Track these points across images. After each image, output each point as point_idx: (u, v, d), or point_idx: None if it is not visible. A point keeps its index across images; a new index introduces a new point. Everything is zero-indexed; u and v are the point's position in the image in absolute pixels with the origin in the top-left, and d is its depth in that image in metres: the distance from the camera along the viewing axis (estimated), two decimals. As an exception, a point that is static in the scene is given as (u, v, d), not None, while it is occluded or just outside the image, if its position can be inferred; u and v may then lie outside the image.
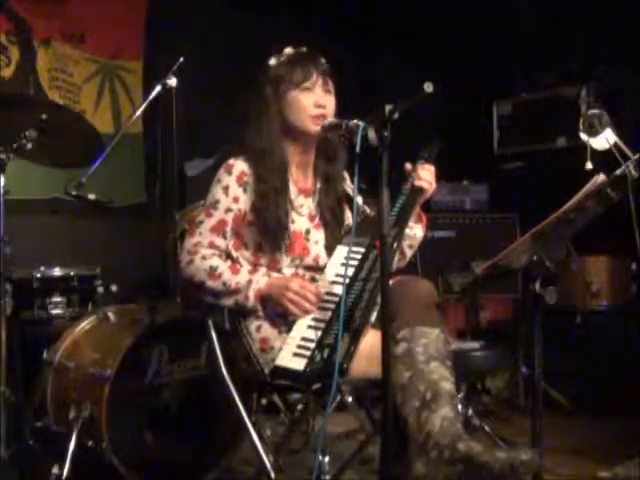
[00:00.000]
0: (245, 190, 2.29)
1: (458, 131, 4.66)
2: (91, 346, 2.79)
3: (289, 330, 2.19)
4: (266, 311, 2.24)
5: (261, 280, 2.23)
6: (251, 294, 2.21)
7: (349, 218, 2.44)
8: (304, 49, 2.41)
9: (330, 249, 2.36)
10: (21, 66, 3.89)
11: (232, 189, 2.28)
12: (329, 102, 2.33)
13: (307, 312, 2.17)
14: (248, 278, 2.22)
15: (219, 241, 2.28)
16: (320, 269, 2.31)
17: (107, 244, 3.99)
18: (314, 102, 2.30)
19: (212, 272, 2.23)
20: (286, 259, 2.30)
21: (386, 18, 4.82)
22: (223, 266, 2.24)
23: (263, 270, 2.27)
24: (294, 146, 2.37)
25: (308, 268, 2.33)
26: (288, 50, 2.40)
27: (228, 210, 2.28)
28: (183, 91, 3.07)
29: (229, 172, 2.30)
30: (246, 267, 2.27)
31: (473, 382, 3.88)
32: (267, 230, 2.28)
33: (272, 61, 2.38)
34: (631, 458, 2.87)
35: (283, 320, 2.23)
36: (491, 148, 4.91)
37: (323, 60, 2.38)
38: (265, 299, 2.22)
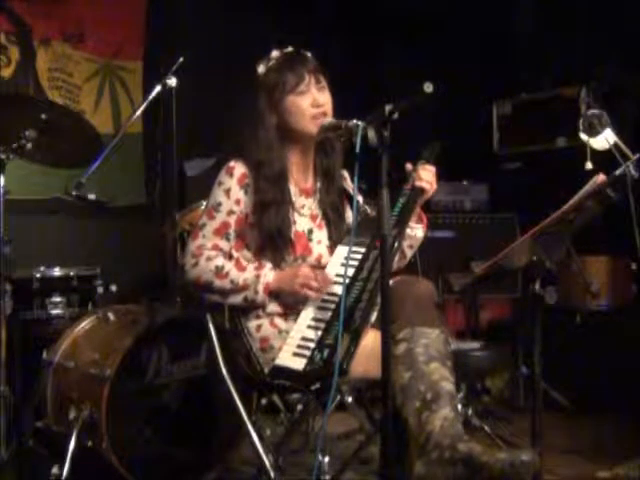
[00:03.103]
0: (246, 192, 2.29)
1: (458, 131, 4.66)
2: (91, 346, 2.79)
3: (289, 330, 2.19)
4: (279, 301, 2.24)
5: (269, 274, 2.24)
6: (260, 288, 2.22)
7: (350, 217, 2.44)
8: (290, 49, 2.39)
9: (334, 245, 2.36)
10: (21, 66, 3.90)
11: (234, 191, 2.28)
12: (325, 99, 2.33)
13: (321, 292, 2.18)
14: (256, 273, 2.23)
15: (223, 243, 2.28)
16: (322, 269, 2.30)
17: (107, 244, 3.99)
18: (311, 102, 2.29)
19: (219, 272, 2.23)
20: (288, 259, 2.30)
21: (386, 18, 4.82)
22: (229, 265, 2.24)
23: (269, 265, 2.27)
24: (294, 148, 2.36)
25: (310, 267, 2.33)
26: (275, 53, 2.38)
27: (230, 212, 2.28)
28: (183, 91, 3.07)
29: (230, 174, 2.30)
30: (252, 264, 2.28)
31: (473, 382, 3.87)
32: (268, 237, 2.29)
33: (261, 68, 2.37)
34: (631, 458, 2.87)
35: (283, 319, 2.24)
36: (491, 148, 4.91)
37: (310, 57, 2.37)
38: (274, 292, 2.23)
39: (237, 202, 2.29)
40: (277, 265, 2.29)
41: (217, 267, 2.23)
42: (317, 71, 2.34)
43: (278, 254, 2.29)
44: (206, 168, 4.00)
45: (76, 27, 4.07)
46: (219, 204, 2.29)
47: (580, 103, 4.30)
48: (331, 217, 2.40)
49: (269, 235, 2.28)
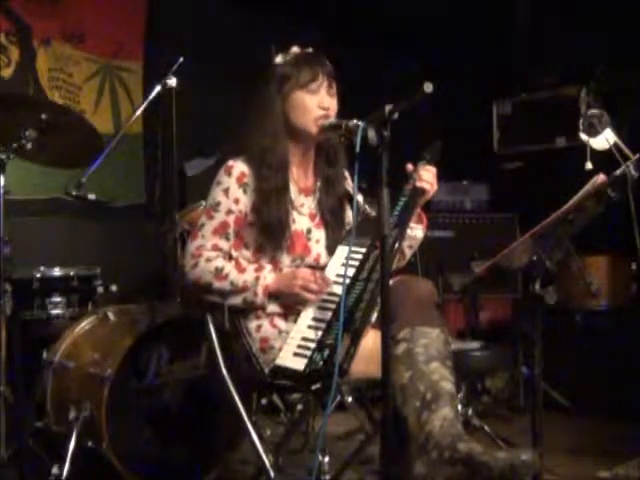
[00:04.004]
0: (245, 191, 2.29)
1: (458, 131, 4.66)
2: (91, 346, 2.79)
3: (289, 330, 2.19)
4: (279, 302, 2.24)
5: (268, 276, 2.24)
6: (259, 290, 2.21)
7: (350, 218, 2.44)
8: (311, 50, 2.41)
9: (331, 249, 2.36)
10: (21, 66, 3.89)
11: (232, 191, 2.28)
12: (332, 104, 2.33)
13: (319, 295, 2.18)
14: (255, 275, 2.23)
15: (222, 243, 2.28)
16: (321, 268, 2.30)
17: (107, 244, 3.99)
18: (318, 103, 2.30)
19: (218, 273, 2.23)
20: (287, 259, 2.30)
21: (386, 18, 4.82)
22: (229, 266, 2.24)
23: (269, 267, 2.27)
24: (295, 146, 2.36)
25: (309, 267, 2.33)
26: (295, 49, 2.39)
27: (229, 212, 2.28)
28: (183, 91, 3.07)
29: (229, 173, 2.30)
30: (252, 265, 2.28)
31: (473, 382, 3.88)
32: (268, 229, 2.28)
33: (279, 59, 2.38)
34: (631, 458, 2.87)
35: (283, 319, 2.24)
36: (491, 148, 4.91)
37: (328, 62, 2.38)
38: (273, 294, 2.23)
39: (236, 201, 2.29)
40: (276, 263, 2.29)
41: (217, 268, 2.23)
42: (331, 76, 2.34)
43: (277, 246, 2.29)
44: (206, 168, 4.00)
45: (76, 27, 4.06)
46: (218, 204, 2.29)
47: (580, 103, 4.30)
48: (329, 221, 2.40)
49: (268, 226, 2.28)
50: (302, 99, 2.30)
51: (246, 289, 2.22)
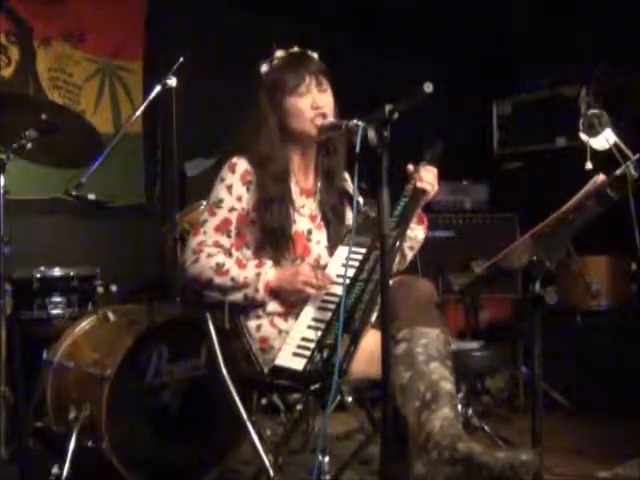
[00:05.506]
0: (248, 189, 2.29)
1: (458, 131, 4.66)
2: (91, 346, 2.79)
3: (289, 330, 2.19)
4: (280, 300, 2.24)
5: (269, 272, 2.24)
6: (260, 286, 2.21)
7: (351, 218, 2.44)
8: (294, 50, 2.39)
9: (333, 247, 2.36)
10: (21, 66, 3.89)
11: (236, 188, 2.28)
12: (326, 101, 2.32)
13: (321, 290, 2.19)
14: (256, 271, 2.23)
15: (223, 240, 2.28)
16: (321, 269, 2.30)
17: (107, 244, 3.99)
18: (311, 104, 2.29)
19: (219, 269, 2.23)
20: (287, 259, 2.30)
21: (386, 18, 4.82)
22: (229, 262, 2.24)
23: (270, 263, 2.27)
24: (295, 148, 2.37)
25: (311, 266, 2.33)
26: (278, 53, 2.38)
27: (232, 209, 2.28)
28: (183, 91, 3.07)
29: (233, 170, 2.30)
30: (253, 261, 2.28)
31: (473, 382, 3.88)
32: (269, 235, 2.29)
33: (263, 68, 2.37)
34: (631, 458, 2.87)
35: (283, 319, 2.24)
36: (491, 148, 4.91)
37: (315, 58, 2.37)
38: (274, 290, 2.23)
39: (239, 199, 2.29)
40: (277, 264, 2.29)
41: (218, 264, 2.23)
42: (319, 73, 2.33)
43: (279, 252, 2.29)
44: (206, 168, 4.00)
45: (76, 27, 4.06)
46: (220, 200, 2.29)
47: (580, 103, 4.30)
48: (330, 219, 2.40)
49: (271, 232, 2.28)
50: (294, 104, 2.30)
51: (247, 285, 2.22)
